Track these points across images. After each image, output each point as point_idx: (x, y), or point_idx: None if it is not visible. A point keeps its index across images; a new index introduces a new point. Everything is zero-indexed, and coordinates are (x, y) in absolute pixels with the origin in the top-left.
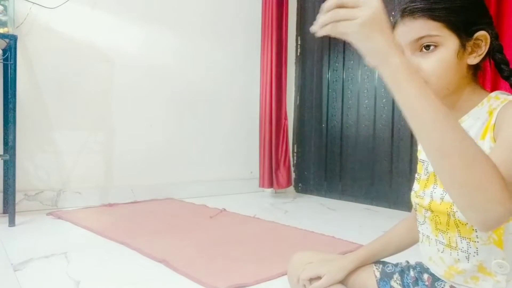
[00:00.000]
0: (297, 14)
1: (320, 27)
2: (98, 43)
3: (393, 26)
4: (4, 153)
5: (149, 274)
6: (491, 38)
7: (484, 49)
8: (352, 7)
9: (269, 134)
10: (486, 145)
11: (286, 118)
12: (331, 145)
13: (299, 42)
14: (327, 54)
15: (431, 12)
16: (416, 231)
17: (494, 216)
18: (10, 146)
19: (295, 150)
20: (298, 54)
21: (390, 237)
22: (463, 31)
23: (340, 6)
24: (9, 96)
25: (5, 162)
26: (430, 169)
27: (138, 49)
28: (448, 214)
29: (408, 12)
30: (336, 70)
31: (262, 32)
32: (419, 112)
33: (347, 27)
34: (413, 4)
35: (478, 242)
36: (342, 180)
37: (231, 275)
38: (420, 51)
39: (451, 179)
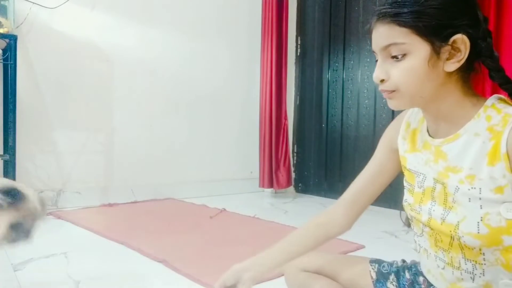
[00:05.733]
0: (297, 14)
1: None
2: (98, 43)
3: (371, 29)
4: (4, 153)
5: (149, 274)
6: (472, 40)
7: (462, 54)
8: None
9: (269, 134)
10: (497, 172)
11: (286, 118)
12: (331, 145)
13: (299, 42)
14: (327, 54)
15: (398, 18)
16: (332, 222)
17: None
18: (10, 146)
19: (295, 150)
20: (298, 54)
21: (299, 233)
22: (435, 36)
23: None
24: (9, 96)
25: (5, 162)
26: (426, 183)
27: (138, 49)
28: (451, 237)
29: (379, 17)
30: (336, 70)
31: (262, 32)
32: None
33: None
34: (382, 8)
35: (485, 264)
36: (342, 180)
37: None
38: (391, 58)
39: None
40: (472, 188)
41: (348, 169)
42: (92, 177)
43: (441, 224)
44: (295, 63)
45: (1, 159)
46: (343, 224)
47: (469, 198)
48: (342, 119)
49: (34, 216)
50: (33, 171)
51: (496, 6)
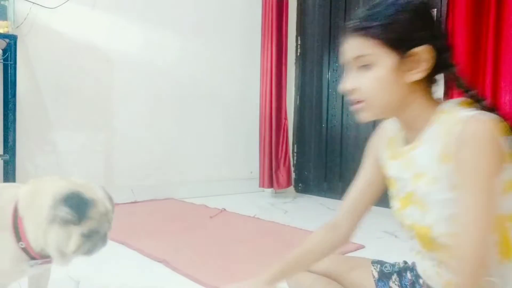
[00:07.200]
0: (297, 14)
1: None
2: (98, 43)
3: (342, 42)
4: (4, 153)
5: (149, 274)
6: (437, 52)
7: (425, 64)
8: None
9: (269, 134)
10: (451, 172)
11: (286, 118)
12: (331, 145)
13: (299, 42)
14: (327, 54)
15: (366, 31)
16: (334, 233)
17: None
18: (10, 146)
19: (295, 150)
20: (298, 54)
21: (305, 248)
22: (401, 47)
23: None
24: (9, 96)
25: (5, 162)
26: (406, 189)
27: (138, 49)
28: (430, 237)
29: (349, 30)
30: (336, 70)
31: (262, 32)
32: None
33: None
34: (352, 22)
35: None
36: (342, 180)
37: (231, 275)
38: (359, 68)
39: None
40: (436, 190)
41: (348, 169)
42: (92, 177)
43: (421, 227)
44: (295, 63)
45: (1, 159)
46: (346, 234)
47: (436, 200)
48: (342, 119)
49: (108, 218)
50: (33, 171)
51: (496, 6)
